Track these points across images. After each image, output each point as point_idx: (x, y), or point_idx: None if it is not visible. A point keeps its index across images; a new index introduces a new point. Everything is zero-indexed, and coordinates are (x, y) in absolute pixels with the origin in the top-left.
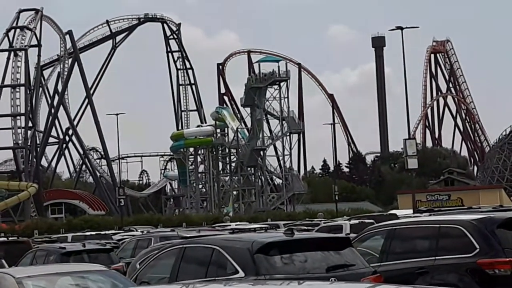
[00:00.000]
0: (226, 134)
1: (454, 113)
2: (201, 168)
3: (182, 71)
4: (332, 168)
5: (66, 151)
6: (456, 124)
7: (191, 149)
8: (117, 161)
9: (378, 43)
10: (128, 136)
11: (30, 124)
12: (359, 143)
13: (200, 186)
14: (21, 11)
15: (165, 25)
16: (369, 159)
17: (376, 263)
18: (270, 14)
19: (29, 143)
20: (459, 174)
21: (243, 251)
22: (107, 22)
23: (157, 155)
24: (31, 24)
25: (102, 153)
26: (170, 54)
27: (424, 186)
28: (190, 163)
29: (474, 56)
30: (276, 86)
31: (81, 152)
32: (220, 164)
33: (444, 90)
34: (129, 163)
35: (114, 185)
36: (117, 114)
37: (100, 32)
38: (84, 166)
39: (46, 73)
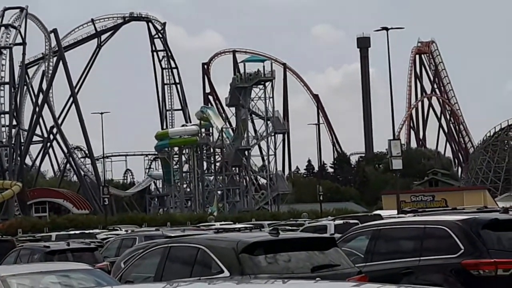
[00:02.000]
0: (211, 134)
1: (438, 114)
2: (186, 167)
3: (167, 70)
4: (316, 168)
5: (51, 150)
6: (440, 125)
7: (176, 149)
8: (102, 160)
9: (363, 43)
10: (112, 135)
11: (14, 123)
12: (344, 143)
13: (185, 186)
14: (5, 9)
15: (150, 24)
16: (353, 159)
17: (361, 263)
18: (255, 14)
19: (13, 142)
20: (443, 175)
21: (228, 251)
22: (92, 20)
23: (141, 154)
24: (16, 22)
25: (87, 152)
26: (155, 53)
27: (409, 187)
28: (174, 162)
29: (459, 57)
30: (261, 86)
31: (66, 151)
32: (205, 163)
33: (428, 91)
34: (113, 162)
35: (99, 184)
36: (101, 113)
37: (85, 30)
38: (68, 165)
39: (30, 71)
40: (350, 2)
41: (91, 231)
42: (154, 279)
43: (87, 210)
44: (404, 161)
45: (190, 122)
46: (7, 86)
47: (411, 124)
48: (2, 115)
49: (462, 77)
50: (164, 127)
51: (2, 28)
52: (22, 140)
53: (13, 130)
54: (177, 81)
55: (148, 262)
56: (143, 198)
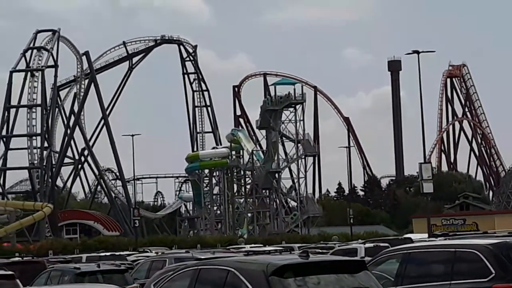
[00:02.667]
0: (241, 156)
1: (469, 137)
2: (216, 190)
3: (198, 92)
4: (347, 191)
5: (82, 172)
6: (471, 149)
7: (206, 171)
8: (132, 182)
9: (394, 67)
10: (143, 157)
11: (46, 145)
12: (374, 166)
13: (215, 208)
14: (38, 31)
15: (181, 46)
16: (384, 182)
17: (392, 287)
18: (286, 37)
19: (44, 163)
20: (474, 198)
21: (258, 273)
22: (124, 43)
23: (172, 177)
24: (48, 45)
25: (117, 174)
26: (186, 76)
27: (439, 211)
28: (205, 184)
29: (490, 81)
30: (291, 109)
31: (96, 172)
32: (235, 186)
33: (460, 115)
34: (144, 184)
35: (129, 206)
36: (132, 135)
37: (117, 53)
38: (99, 187)
39: (62, 93)
40: (381, 25)
41: (121, 253)
42: None
43: (118, 232)
44: (435, 185)
45: (221, 144)
46: (39, 108)
47: (442, 148)
48: (34, 137)
49: (493, 100)
50: (195, 149)
51: (35, 50)
52: (53, 162)
53: (45, 152)
54: (208, 103)
55: (178, 284)
56: (174, 220)
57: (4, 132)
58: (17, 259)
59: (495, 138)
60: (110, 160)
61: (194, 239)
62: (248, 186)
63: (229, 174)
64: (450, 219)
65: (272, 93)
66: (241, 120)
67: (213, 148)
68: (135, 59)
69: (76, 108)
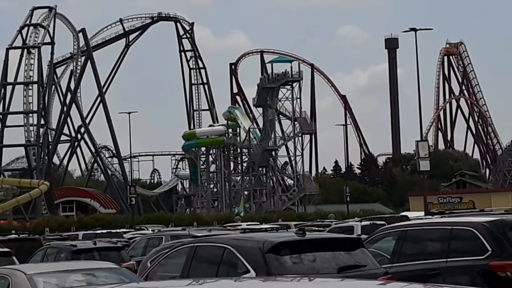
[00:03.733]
0: (238, 134)
1: (466, 115)
2: (213, 167)
3: (194, 70)
4: (343, 169)
5: (78, 149)
6: (468, 127)
7: (203, 149)
8: (129, 159)
9: (391, 44)
10: (140, 135)
11: (42, 122)
12: (371, 144)
13: (212, 186)
14: (34, 8)
15: (178, 24)
16: (380, 160)
17: (388, 264)
18: (283, 15)
19: (41, 141)
20: (471, 176)
21: (254, 251)
22: (121, 20)
23: (168, 154)
24: (45, 22)
25: (114, 151)
26: (183, 54)
27: (436, 189)
28: (201, 162)
29: (487, 59)
30: (288, 87)
31: (93, 150)
32: (232, 164)
33: (457, 93)
34: (140, 162)
35: (126, 183)
36: (129, 113)
37: (114, 30)
38: (95, 165)
39: (59, 71)
40: (378, 3)
41: (117, 230)
42: (180, 278)
43: (114, 209)
44: (432, 163)
45: (218, 122)
46: (35, 86)
47: (439, 126)
48: (30, 114)
49: (491, 78)
50: (192, 127)
51: (31, 27)
52: (50, 140)
53: (41, 130)
54: (205, 81)
55: (174, 262)
56: (170, 198)
57: (0, 109)
58: (13, 236)
59: (492, 116)
60: (107, 137)
61: (190, 217)
62: (244, 164)
63: (226, 152)
64: (447, 197)
65: (269, 71)
66: (238, 98)
67: (210, 126)
68: (131, 37)
69: (72, 86)
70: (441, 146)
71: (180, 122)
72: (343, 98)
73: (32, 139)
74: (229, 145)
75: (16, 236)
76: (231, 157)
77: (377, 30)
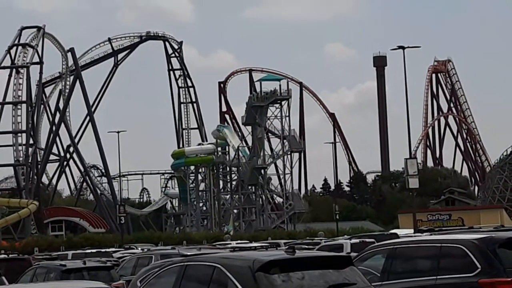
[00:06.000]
0: (227, 153)
1: (455, 132)
2: (202, 186)
3: (183, 89)
4: (333, 187)
5: (67, 169)
6: (457, 144)
7: (192, 167)
8: (118, 178)
9: (380, 62)
10: (129, 154)
11: (31, 141)
12: (360, 162)
13: (201, 204)
14: (23, 28)
15: (166, 43)
16: (370, 178)
17: (378, 282)
18: (270, 33)
19: (30, 160)
20: (460, 194)
21: (244, 269)
22: (109, 39)
23: (158, 173)
24: (33, 42)
25: (103, 170)
26: (171, 72)
27: (425, 206)
28: (191, 181)
29: (476, 76)
30: (277, 105)
31: (82, 169)
32: (221, 182)
33: (445, 110)
34: (130, 181)
35: (115, 202)
36: (118, 132)
37: (102, 49)
38: (84, 184)
39: (47, 90)
40: (366, 21)
41: (107, 249)
42: None
43: (104, 228)
44: (421, 180)
45: (207, 140)
46: (24, 105)
47: (428, 143)
48: (19, 134)
49: (479, 95)
50: (181, 145)
51: (20, 47)
52: (38, 159)
53: (30, 149)
54: (194, 100)
55: (164, 281)
56: (159, 216)
57: None
58: (2, 256)
59: (480, 133)
60: (96, 157)
61: (180, 235)
62: (234, 183)
63: (215, 171)
64: (436, 215)
65: (258, 89)
66: (227, 116)
67: (199, 144)
68: (120, 56)
69: (61, 105)
70: (430, 163)
71: (169, 140)
72: (332, 116)
73: (21, 158)
74: (218, 164)
75: (5, 256)
76: (220, 176)
77: (366, 48)
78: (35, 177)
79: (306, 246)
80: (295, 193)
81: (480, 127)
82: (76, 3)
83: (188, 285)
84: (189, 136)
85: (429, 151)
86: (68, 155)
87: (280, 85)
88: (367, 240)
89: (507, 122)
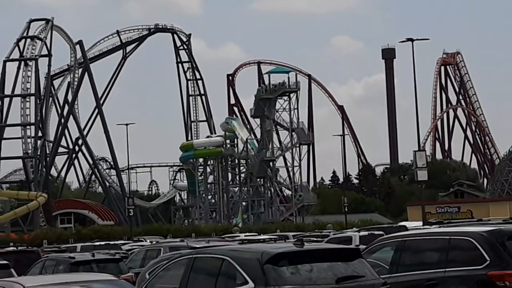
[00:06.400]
0: (235, 145)
1: (464, 125)
2: (211, 178)
3: (192, 81)
4: (341, 180)
5: (76, 161)
6: (466, 136)
7: (201, 160)
8: (127, 171)
9: (388, 55)
10: (137, 146)
11: (40, 134)
12: (369, 154)
13: (210, 197)
14: (31, 21)
15: (175, 35)
16: (378, 170)
17: (386, 275)
18: (279, 26)
19: (38, 153)
20: (469, 186)
21: (253, 262)
22: (118, 32)
23: (166, 166)
24: (42, 34)
25: (112, 163)
26: (180, 65)
27: (434, 198)
28: (199, 173)
29: (484, 68)
30: (286, 97)
31: (91, 162)
32: (230, 174)
33: (454, 102)
34: (138, 173)
35: (124, 195)
36: (126, 124)
37: (111, 42)
38: (93, 176)
39: (56, 83)
40: (375, 13)
41: (116, 242)
42: None
43: (112, 221)
44: (430, 173)
45: (215, 133)
46: (32, 98)
47: (437, 136)
48: (28, 127)
49: (488, 88)
50: (189, 138)
51: (28, 39)
52: (47, 152)
53: (39, 142)
54: (202, 92)
55: (173, 273)
56: (168, 209)
57: None
58: (11, 248)
59: (489, 125)
60: (104, 149)
61: (188, 228)
62: (242, 175)
63: (224, 163)
64: (445, 207)
65: (266, 82)
66: (235, 109)
67: (208, 136)
68: (128, 48)
69: (70, 98)
70: (439, 156)
71: (178, 133)
72: (341, 108)
73: (29, 151)
74: (227, 156)
75: (14, 248)
76: (229, 168)
77: (374, 41)
78: (44, 169)
79: (315, 239)
80: (304, 186)
81: (489, 120)
82: None
83: (196, 278)
84: (198, 128)
85: (438, 144)
86: (76, 148)
87: (288, 78)
88: (376, 232)
89: None
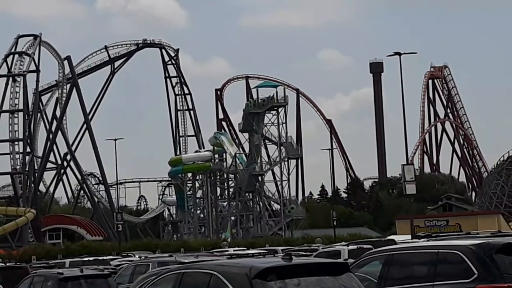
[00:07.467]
0: (224, 160)
1: (452, 138)
2: (199, 193)
3: (180, 96)
4: (330, 194)
5: (64, 177)
6: (454, 150)
7: (189, 175)
8: (115, 186)
9: (376, 68)
10: (126, 161)
11: (28, 150)
12: (357, 168)
13: (198, 212)
14: (19, 36)
15: (163, 50)
16: (367, 184)
17: None
18: (266, 40)
19: (27, 169)
20: (457, 199)
21: (241, 277)
22: (106, 47)
23: (155, 181)
24: (30, 50)
25: (100, 178)
26: (168, 80)
27: (422, 212)
28: (188, 188)
29: (472, 82)
30: (274, 112)
31: (79, 177)
32: (218, 189)
33: (442, 116)
34: (127, 189)
35: (112, 210)
36: (115, 140)
37: (99, 57)
38: (82, 192)
39: (44, 98)
40: (363, 27)
41: (104, 257)
42: None
43: (101, 236)
44: (418, 186)
45: (204, 148)
46: (21, 113)
47: (425, 149)
48: (16, 142)
49: (475, 101)
50: (178, 153)
51: (16, 55)
52: (36, 167)
53: (27, 157)
54: (191, 107)
55: None
56: (157, 224)
57: None
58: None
59: (477, 139)
60: (93, 164)
61: (177, 243)
62: (231, 190)
63: (212, 178)
64: (433, 220)
65: (255, 96)
66: (224, 124)
67: (196, 151)
68: (117, 63)
69: (58, 113)
70: (427, 169)
71: (166, 148)
72: (329, 122)
73: (18, 167)
74: (216, 171)
75: (3, 264)
76: (218, 183)
77: (362, 55)
78: (32, 185)
79: (304, 253)
80: (293, 200)
81: (476, 133)
82: (72, 12)
83: None
84: (186, 143)
85: (426, 157)
86: (65, 163)
87: (276, 92)
88: (365, 246)
89: (504, 128)
